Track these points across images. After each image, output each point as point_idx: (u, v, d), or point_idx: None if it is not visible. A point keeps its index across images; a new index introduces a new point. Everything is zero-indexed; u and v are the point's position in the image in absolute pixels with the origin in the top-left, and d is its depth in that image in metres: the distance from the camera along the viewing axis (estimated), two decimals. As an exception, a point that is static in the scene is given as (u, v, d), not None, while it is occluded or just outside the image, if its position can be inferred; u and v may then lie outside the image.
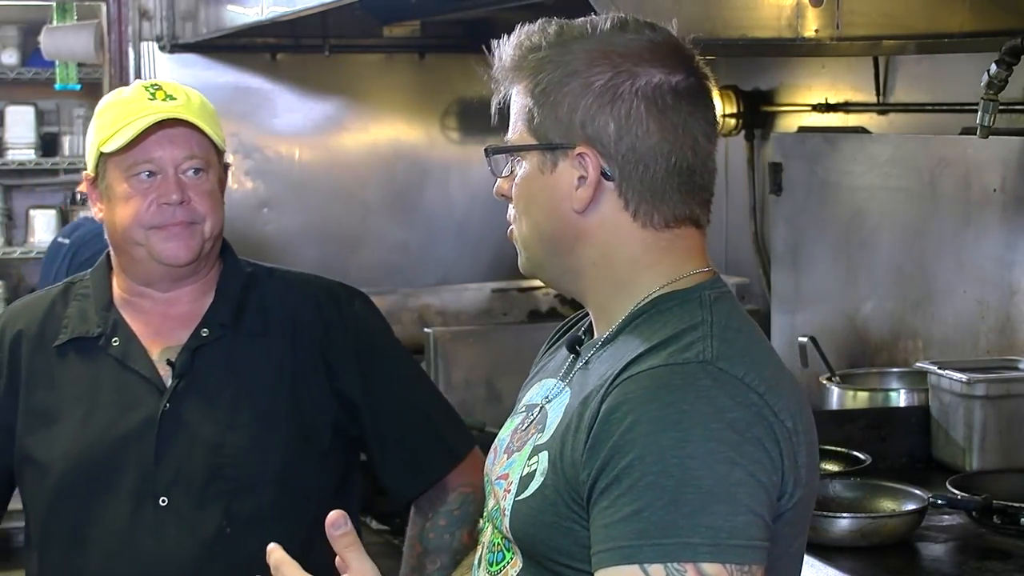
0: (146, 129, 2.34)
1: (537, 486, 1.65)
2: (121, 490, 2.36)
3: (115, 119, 2.38)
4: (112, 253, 2.47)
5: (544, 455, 1.67)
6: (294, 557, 2.16)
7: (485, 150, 1.78)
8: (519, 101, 1.73)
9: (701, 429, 1.54)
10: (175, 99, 2.39)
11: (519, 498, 1.68)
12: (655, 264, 1.71)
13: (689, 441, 1.53)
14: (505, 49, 1.75)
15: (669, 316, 1.67)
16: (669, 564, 1.51)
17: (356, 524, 2.51)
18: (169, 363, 2.40)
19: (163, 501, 2.36)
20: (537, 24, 1.74)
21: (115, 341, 2.42)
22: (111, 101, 2.43)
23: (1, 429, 2.45)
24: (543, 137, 1.71)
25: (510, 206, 1.78)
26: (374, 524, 4.01)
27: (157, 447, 2.36)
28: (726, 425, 1.55)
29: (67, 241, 5.03)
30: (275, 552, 1.68)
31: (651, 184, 1.69)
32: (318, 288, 2.54)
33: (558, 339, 1.94)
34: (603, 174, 1.68)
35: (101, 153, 2.39)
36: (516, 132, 1.74)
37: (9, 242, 6.59)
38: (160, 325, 2.44)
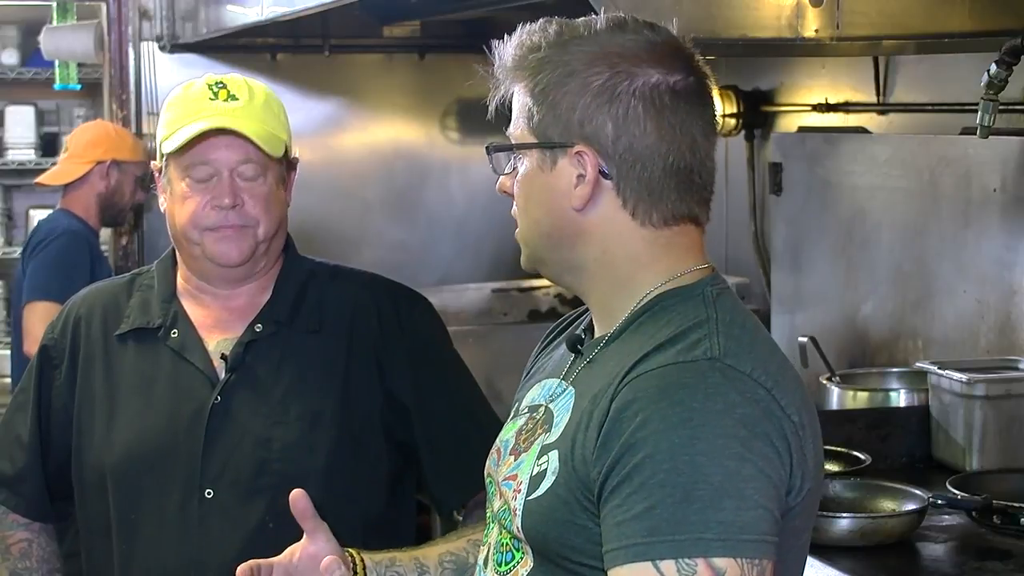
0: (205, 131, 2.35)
1: (549, 485, 1.67)
2: (170, 481, 2.39)
3: (176, 117, 2.39)
4: (174, 246, 2.50)
5: (554, 454, 1.68)
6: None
7: (487, 148, 1.80)
8: (519, 100, 1.75)
9: (711, 427, 1.56)
10: (237, 99, 2.39)
11: (531, 497, 1.69)
12: (655, 262, 1.73)
13: (699, 439, 1.55)
14: (506, 48, 1.76)
15: (672, 313, 1.69)
16: (680, 560, 1.53)
17: (409, 531, 2.54)
18: (222, 357, 2.41)
19: (209, 493, 2.37)
20: (538, 24, 1.76)
21: (174, 333, 2.45)
22: (176, 97, 2.44)
23: (63, 411, 2.50)
24: (543, 136, 1.72)
25: (514, 204, 1.80)
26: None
27: (206, 439, 2.38)
28: (736, 421, 1.57)
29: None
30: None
31: (648, 183, 1.71)
32: (380, 290, 2.55)
33: (552, 339, 1.96)
34: (601, 173, 1.70)
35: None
36: (517, 130, 1.76)
37: (9, 242, 6.59)
38: (219, 317, 2.46)
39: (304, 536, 1.98)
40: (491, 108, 1.79)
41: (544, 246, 1.77)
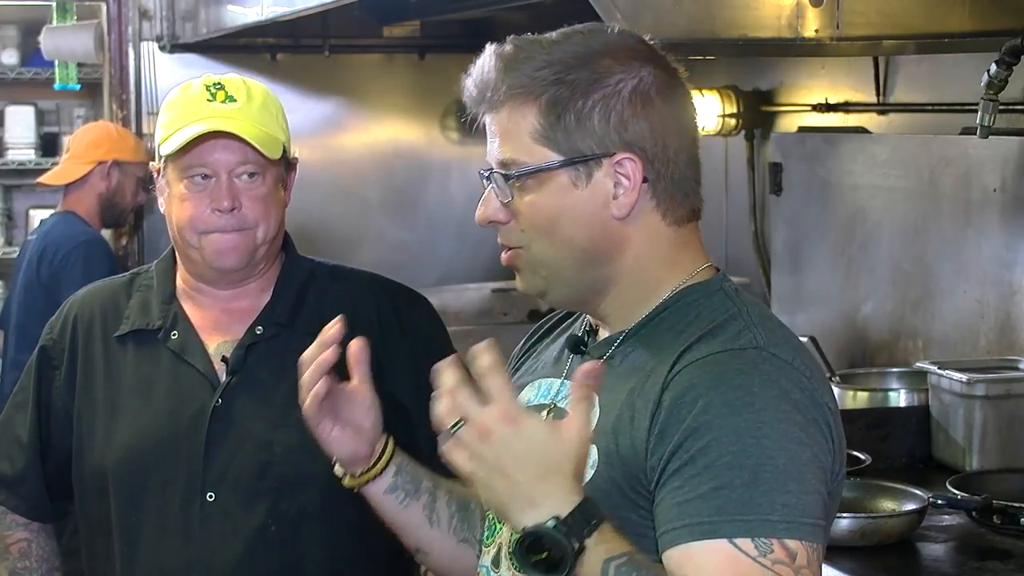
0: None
1: (588, 479, 1.66)
2: (172, 483, 2.38)
3: (174, 119, 2.39)
4: (173, 246, 2.49)
5: (591, 449, 1.67)
6: (339, 559, 2.14)
7: (504, 175, 1.72)
8: (525, 121, 1.69)
9: (772, 410, 1.59)
10: (235, 100, 2.38)
11: None
12: (676, 262, 1.74)
13: (764, 422, 1.57)
14: (485, 72, 1.70)
15: (699, 308, 1.71)
16: (758, 539, 1.54)
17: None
18: (223, 359, 2.41)
19: (210, 496, 2.36)
20: (513, 42, 1.71)
21: (174, 334, 2.44)
22: (174, 98, 2.43)
23: (62, 412, 2.49)
24: (572, 151, 1.69)
25: (506, 231, 1.75)
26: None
27: (207, 442, 2.37)
28: (792, 407, 1.60)
29: (33, 237, 5.08)
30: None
31: (678, 181, 1.72)
32: (379, 290, 2.54)
33: (537, 341, 1.95)
34: (644, 177, 1.69)
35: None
36: (526, 152, 1.70)
37: (9, 242, 6.58)
38: (220, 319, 2.46)
39: (354, 380, 1.93)
40: (478, 126, 1.75)
41: (576, 265, 1.72)
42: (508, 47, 1.71)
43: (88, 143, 5.05)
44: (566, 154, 1.69)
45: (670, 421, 1.61)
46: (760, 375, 1.61)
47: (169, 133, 2.38)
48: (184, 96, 2.42)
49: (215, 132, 2.35)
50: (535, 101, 1.68)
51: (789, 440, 1.58)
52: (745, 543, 1.54)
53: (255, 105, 2.40)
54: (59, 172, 5.07)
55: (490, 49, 1.72)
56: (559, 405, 1.77)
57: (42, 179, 5.18)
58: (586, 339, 1.81)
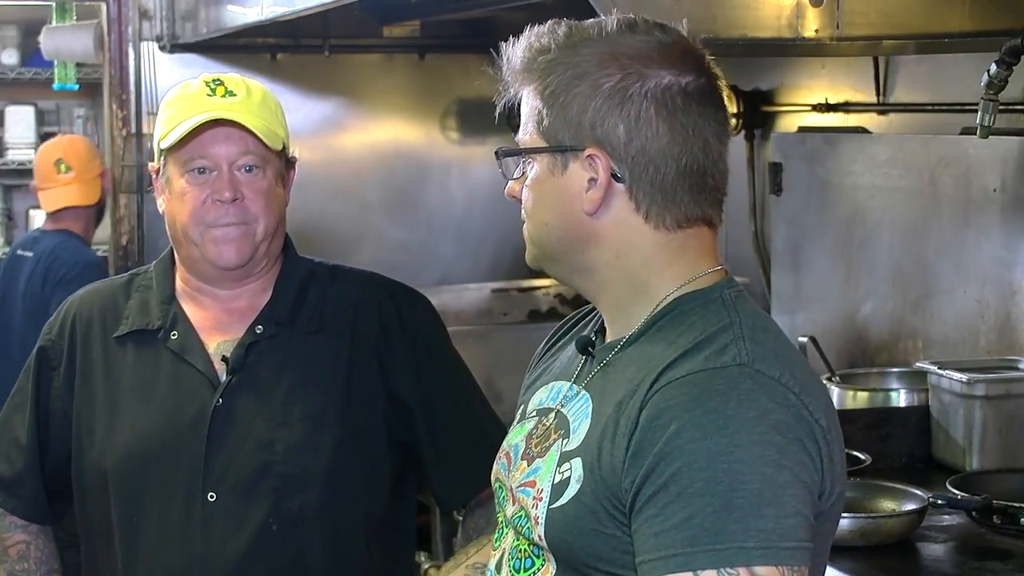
0: (204, 125, 2.35)
1: (573, 493, 1.65)
2: (173, 483, 2.39)
3: (174, 115, 2.39)
4: (173, 246, 2.49)
5: (577, 462, 1.67)
6: (340, 557, 2.13)
7: (496, 152, 1.79)
8: (529, 103, 1.74)
9: (747, 433, 1.55)
10: (235, 95, 2.39)
11: (554, 506, 1.67)
12: (669, 265, 1.72)
13: (736, 446, 1.55)
14: (515, 51, 1.75)
15: (694, 317, 1.68)
16: (722, 569, 1.52)
17: (410, 530, 2.53)
18: (223, 359, 2.41)
19: (212, 496, 2.37)
20: (547, 26, 1.75)
21: (174, 334, 2.44)
22: (173, 96, 2.44)
23: (61, 413, 2.50)
24: (553, 139, 1.71)
25: (522, 207, 1.79)
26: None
27: (208, 442, 2.38)
28: (770, 427, 1.57)
29: (29, 254, 5.04)
30: None
31: (661, 186, 1.70)
32: (379, 289, 2.55)
33: (557, 340, 1.94)
34: (613, 176, 1.69)
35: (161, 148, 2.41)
36: (527, 134, 1.75)
37: (9, 242, 6.60)
38: (220, 318, 2.46)
39: None
40: (498, 111, 1.79)
41: (555, 248, 1.75)
42: (541, 28, 1.75)
43: (89, 161, 5.05)
44: (548, 142, 1.72)
45: (643, 444, 1.59)
46: (738, 395, 1.58)
47: (170, 127, 2.38)
48: (183, 93, 2.43)
49: (216, 122, 2.35)
50: (536, 85, 1.72)
51: (764, 463, 1.55)
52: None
53: (255, 100, 2.41)
54: (77, 193, 5.00)
55: (527, 31, 1.75)
56: (562, 411, 1.76)
57: (73, 202, 5.04)
58: (594, 339, 1.81)
